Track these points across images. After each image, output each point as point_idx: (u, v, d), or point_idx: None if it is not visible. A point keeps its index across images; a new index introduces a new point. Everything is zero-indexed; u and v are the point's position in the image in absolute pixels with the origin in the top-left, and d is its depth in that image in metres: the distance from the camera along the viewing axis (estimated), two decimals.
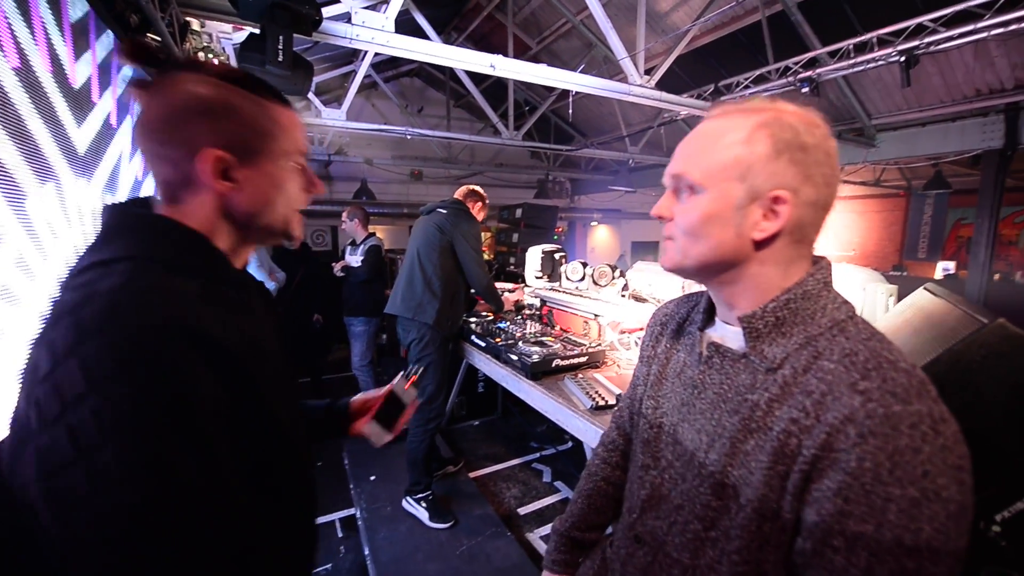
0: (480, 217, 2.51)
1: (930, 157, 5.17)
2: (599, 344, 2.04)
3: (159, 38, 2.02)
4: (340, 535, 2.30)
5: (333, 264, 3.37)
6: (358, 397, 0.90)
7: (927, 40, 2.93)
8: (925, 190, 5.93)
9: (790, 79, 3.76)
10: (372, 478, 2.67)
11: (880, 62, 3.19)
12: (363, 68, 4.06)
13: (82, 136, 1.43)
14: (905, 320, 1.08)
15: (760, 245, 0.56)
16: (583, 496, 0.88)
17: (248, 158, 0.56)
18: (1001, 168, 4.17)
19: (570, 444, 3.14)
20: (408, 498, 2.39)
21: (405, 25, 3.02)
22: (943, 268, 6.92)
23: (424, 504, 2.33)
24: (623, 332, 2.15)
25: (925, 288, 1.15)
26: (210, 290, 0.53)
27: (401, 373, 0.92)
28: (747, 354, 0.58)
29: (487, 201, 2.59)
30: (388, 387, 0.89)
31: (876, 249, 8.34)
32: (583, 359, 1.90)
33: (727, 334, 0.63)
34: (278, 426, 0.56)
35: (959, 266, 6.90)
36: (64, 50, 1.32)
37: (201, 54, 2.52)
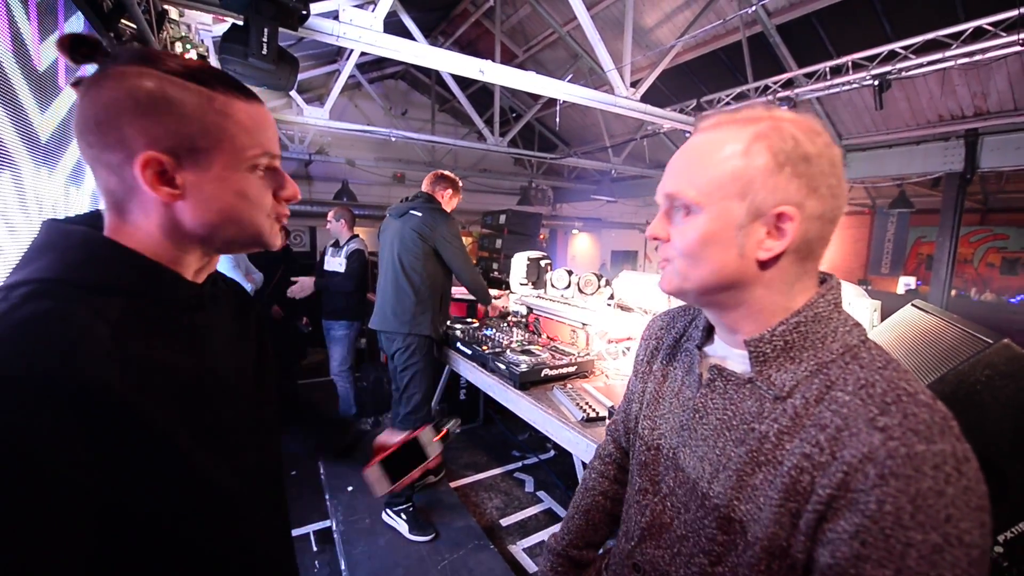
0: (455, 203, 2.40)
1: (895, 178, 5.42)
2: (587, 353, 2.03)
3: (134, 25, 1.91)
4: (315, 549, 2.20)
5: (293, 280, 3.12)
6: (380, 438, 0.82)
7: (899, 66, 3.07)
8: (890, 209, 6.20)
9: (769, 98, 3.89)
10: (349, 489, 2.57)
11: (855, 84, 3.33)
12: (348, 67, 3.99)
13: (45, 122, 1.32)
14: (897, 337, 1.09)
15: (765, 265, 0.53)
16: (580, 512, 0.83)
17: (193, 160, 0.48)
18: (961, 190, 4.40)
19: (553, 453, 3.11)
20: (388, 510, 2.31)
21: (392, 27, 2.96)
22: (904, 283, 7.26)
23: (404, 516, 2.26)
24: (610, 341, 2.14)
25: (913, 304, 1.17)
26: (137, 315, 0.46)
27: (430, 425, 0.81)
28: (753, 379, 0.55)
29: (460, 185, 2.44)
30: (409, 434, 0.78)
31: (843, 264, 8.69)
32: (572, 369, 1.88)
33: (729, 355, 0.60)
34: (197, 473, 0.48)
35: (918, 281, 7.26)
36: (28, 28, 1.22)
37: (179, 44, 2.41)
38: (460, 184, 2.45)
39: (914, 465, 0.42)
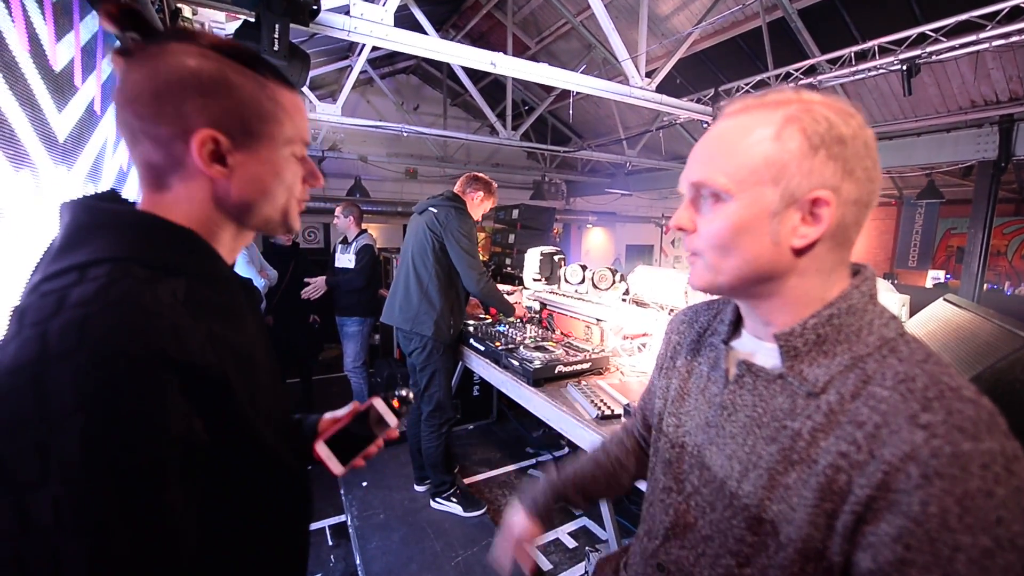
0: (487, 207, 2.38)
1: (924, 167, 5.22)
2: (602, 350, 1.99)
3: (136, 5, 1.92)
4: (330, 543, 2.22)
5: (307, 281, 3.14)
6: (329, 415, 0.76)
7: (929, 49, 2.94)
8: (919, 199, 5.98)
9: (791, 85, 3.76)
10: (364, 484, 2.59)
11: (881, 70, 3.20)
12: (359, 63, 3.98)
13: (62, 122, 1.34)
14: (928, 333, 1.04)
15: (800, 253, 0.50)
16: (592, 462, 0.86)
17: (245, 141, 0.50)
18: (994, 179, 4.21)
19: (567, 450, 3.09)
20: (437, 499, 2.40)
21: (403, 20, 2.95)
22: (933, 277, 7.01)
23: (455, 499, 2.36)
24: (625, 338, 2.10)
25: (945, 299, 1.12)
26: (197, 294, 0.47)
27: (379, 396, 0.72)
28: (784, 374, 0.52)
29: (494, 187, 2.40)
30: (353, 406, 0.73)
31: (868, 257, 8.43)
32: (586, 365, 1.85)
33: (758, 350, 0.58)
34: (262, 445, 0.51)
35: (947, 275, 7.00)
36: (44, 29, 1.23)
37: (185, 25, 2.42)
38: (495, 187, 2.41)
39: (960, 464, 0.40)
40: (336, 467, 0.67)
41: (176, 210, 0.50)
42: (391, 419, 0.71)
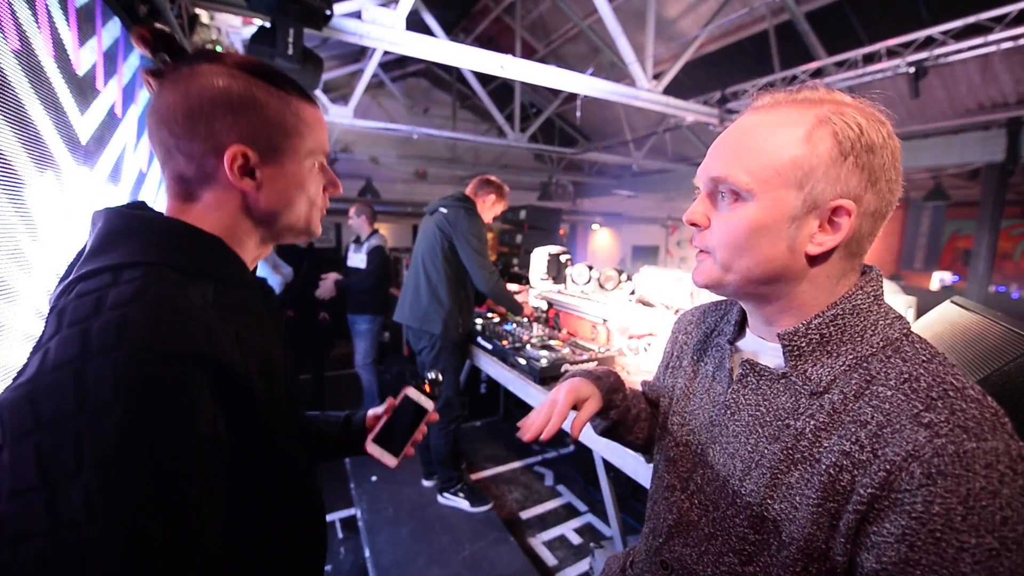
0: (498, 210, 2.40)
1: (931, 169, 5.20)
2: (608, 349, 2.01)
3: (167, 28, 1.98)
4: (340, 536, 2.26)
5: (323, 277, 3.25)
6: (372, 412, 0.81)
7: (936, 52, 2.94)
8: (925, 201, 5.95)
9: (809, 84, 3.76)
10: (373, 479, 2.63)
11: (888, 73, 3.20)
12: (371, 67, 4.03)
13: (85, 124, 1.38)
14: (935, 335, 1.05)
15: (814, 260, 0.50)
16: (631, 392, 0.82)
17: (272, 156, 0.53)
18: (1002, 181, 4.20)
19: (572, 448, 3.11)
20: (444, 494, 2.44)
21: (414, 25, 2.99)
22: (939, 279, 6.96)
23: (462, 494, 2.40)
24: (631, 337, 2.12)
25: (952, 301, 1.12)
26: (224, 298, 0.50)
27: (410, 385, 0.75)
28: (787, 374, 0.53)
29: (506, 191, 2.42)
30: (390, 401, 0.75)
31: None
32: (592, 364, 1.87)
33: (762, 350, 0.58)
34: (278, 445, 0.53)
35: (953, 276, 6.94)
36: (68, 34, 1.27)
37: (209, 47, 2.48)
38: (506, 190, 2.43)
39: (964, 464, 0.39)
40: (390, 460, 0.70)
41: (204, 219, 0.52)
42: (427, 403, 0.73)
